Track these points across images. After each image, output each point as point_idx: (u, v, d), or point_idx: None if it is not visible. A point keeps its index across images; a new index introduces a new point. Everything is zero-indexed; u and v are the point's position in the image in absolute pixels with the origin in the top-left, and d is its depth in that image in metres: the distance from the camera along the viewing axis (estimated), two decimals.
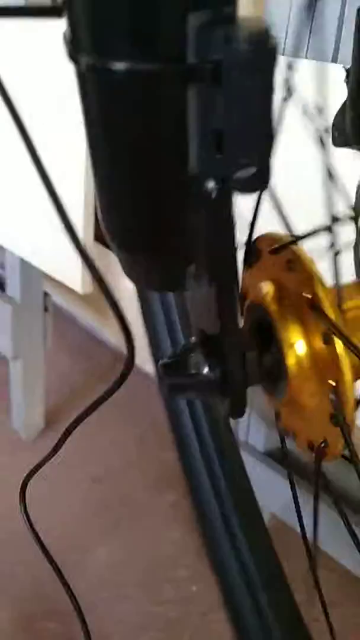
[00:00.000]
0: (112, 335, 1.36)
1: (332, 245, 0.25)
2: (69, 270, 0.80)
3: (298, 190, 0.39)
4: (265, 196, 0.24)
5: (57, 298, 1.17)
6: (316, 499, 0.28)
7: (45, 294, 1.03)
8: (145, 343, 1.18)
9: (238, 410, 0.25)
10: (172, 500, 0.99)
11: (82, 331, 1.38)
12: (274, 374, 0.25)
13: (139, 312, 0.59)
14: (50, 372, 1.15)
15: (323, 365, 0.24)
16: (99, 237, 0.75)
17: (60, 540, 0.92)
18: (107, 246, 0.38)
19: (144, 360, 1.11)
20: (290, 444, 0.31)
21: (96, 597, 0.88)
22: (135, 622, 0.86)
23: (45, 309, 1.03)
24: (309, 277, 0.23)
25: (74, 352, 1.34)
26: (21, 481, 0.38)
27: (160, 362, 0.25)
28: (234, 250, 0.21)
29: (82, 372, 1.28)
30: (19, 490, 0.38)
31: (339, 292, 0.25)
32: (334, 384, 0.23)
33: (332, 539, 0.63)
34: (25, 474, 0.37)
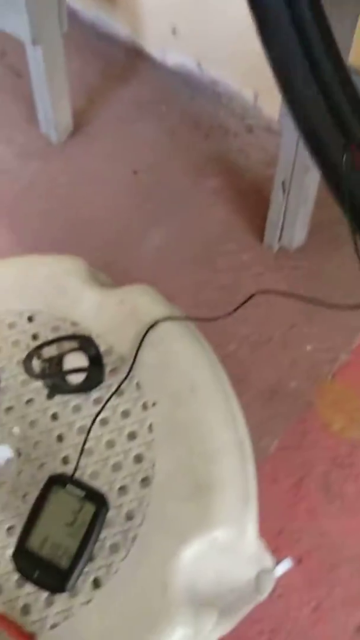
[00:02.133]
0: (122, 27, 1.22)
1: None
2: None
3: None
4: None
5: None
6: None
7: None
8: (165, 29, 1.24)
9: None
10: (213, 185, 1.11)
11: (87, 28, 1.25)
12: None
13: None
14: None
15: None
16: None
17: (115, 228, 1.06)
18: None
19: (164, 50, 1.26)
20: None
21: (157, 270, 1.04)
22: (192, 290, 1.03)
23: None
24: None
25: (83, 51, 1.21)
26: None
27: None
28: None
29: (97, 73, 1.21)
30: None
31: None
32: None
33: None
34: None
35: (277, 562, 0.85)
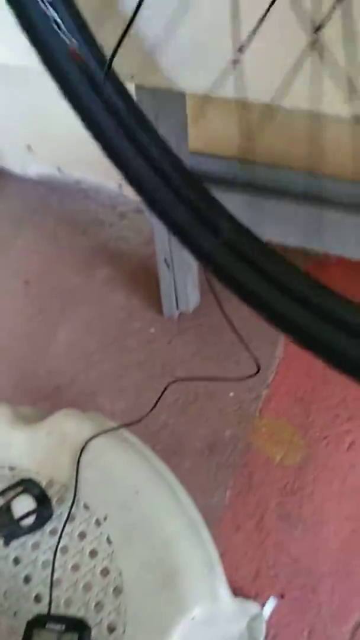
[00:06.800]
0: None
1: None
2: None
3: None
4: None
5: None
6: None
7: None
8: (21, 148, 1.31)
9: None
10: (104, 276, 1.20)
11: None
12: None
13: None
14: None
15: None
16: None
17: (21, 342, 1.15)
18: None
19: (23, 166, 1.36)
20: None
21: (73, 368, 1.10)
22: (113, 376, 1.11)
23: None
24: None
25: None
26: None
27: None
28: None
29: None
30: None
31: None
32: None
33: None
34: None
35: (263, 605, 0.91)
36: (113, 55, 0.49)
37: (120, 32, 0.46)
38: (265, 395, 1.09)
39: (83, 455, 0.58)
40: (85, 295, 1.21)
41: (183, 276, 1.07)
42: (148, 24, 0.62)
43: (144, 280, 1.22)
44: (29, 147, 1.31)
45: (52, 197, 1.33)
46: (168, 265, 1.05)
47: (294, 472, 1.02)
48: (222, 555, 0.93)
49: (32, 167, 1.36)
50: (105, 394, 1.10)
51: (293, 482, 1.01)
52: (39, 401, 1.09)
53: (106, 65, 0.49)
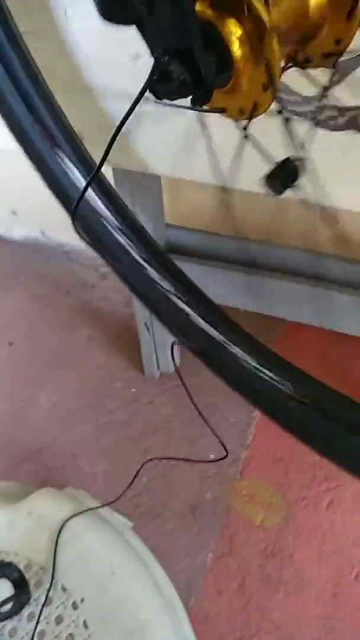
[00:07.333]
0: None
1: None
2: None
3: None
4: None
5: None
6: None
7: None
8: (6, 212, 1.38)
9: (205, 99, 0.34)
10: (86, 336, 1.23)
11: None
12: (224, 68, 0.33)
13: None
14: None
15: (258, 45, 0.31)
16: None
17: (1, 398, 1.15)
18: None
19: (8, 228, 1.37)
20: None
21: (54, 429, 1.11)
22: (94, 436, 1.11)
23: None
24: None
25: None
26: None
27: (152, 78, 0.32)
28: None
29: None
30: None
31: None
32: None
33: None
34: None
35: None
36: (85, 189, 0.52)
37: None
38: (244, 456, 1.11)
39: (61, 535, 0.59)
40: (68, 355, 1.23)
41: (163, 339, 1.10)
42: (122, 112, 0.66)
43: (126, 340, 1.24)
44: (14, 212, 1.35)
45: (36, 258, 1.36)
46: (148, 329, 1.08)
47: (275, 533, 1.02)
48: (205, 622, 0.94)
49: (16, 231, 1.40)
50: (86, 455, 1.11)
51: (273, 544, 1.02)
52: (20, 463, 1.09)
53: (77, 201, 0.51)
